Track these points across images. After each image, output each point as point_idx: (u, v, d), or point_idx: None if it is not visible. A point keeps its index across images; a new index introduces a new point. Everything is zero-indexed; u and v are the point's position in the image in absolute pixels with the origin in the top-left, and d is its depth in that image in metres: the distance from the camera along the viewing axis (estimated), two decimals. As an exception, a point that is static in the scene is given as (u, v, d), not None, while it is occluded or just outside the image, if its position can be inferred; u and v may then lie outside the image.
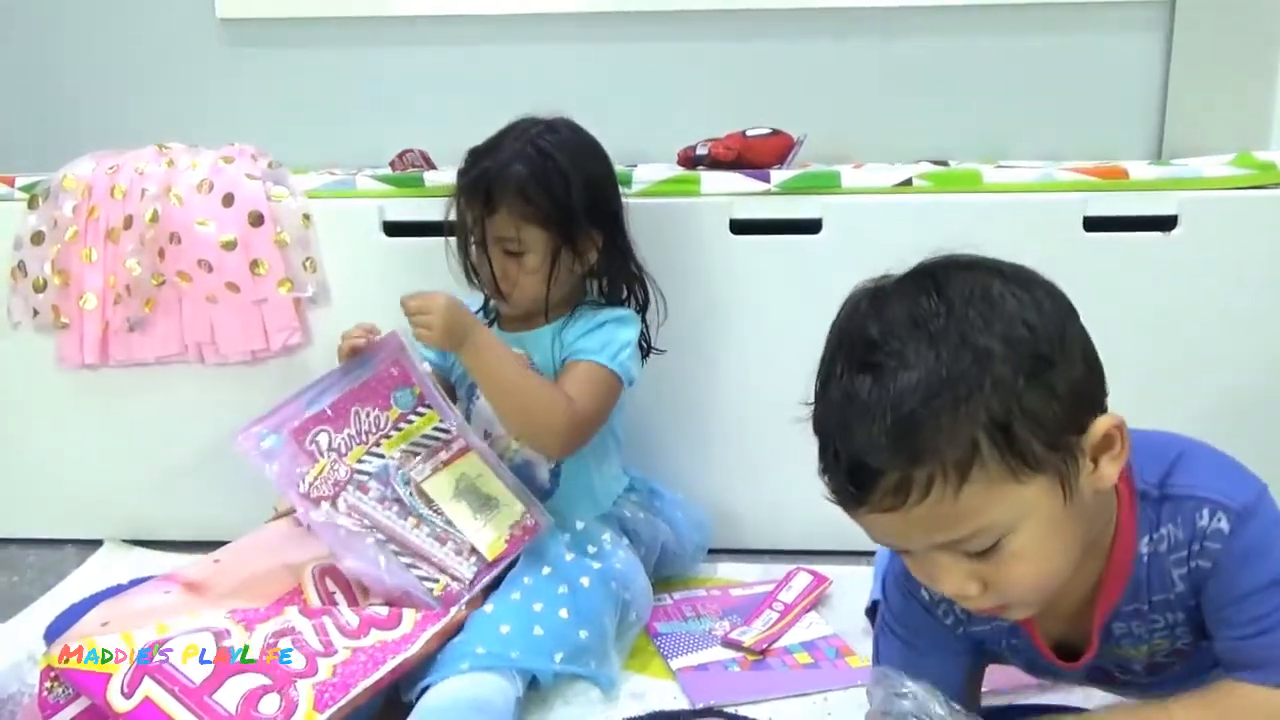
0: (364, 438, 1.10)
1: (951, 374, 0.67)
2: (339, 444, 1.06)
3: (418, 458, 1.16)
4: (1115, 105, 1.79)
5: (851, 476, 0.69)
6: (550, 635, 1.10)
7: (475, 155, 1.24)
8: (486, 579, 1.14)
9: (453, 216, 1.26)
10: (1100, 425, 0.71)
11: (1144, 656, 0.83)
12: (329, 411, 1.06)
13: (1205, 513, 0.75)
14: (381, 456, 1.11)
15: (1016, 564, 0.71)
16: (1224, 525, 0.74)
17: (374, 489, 1.09)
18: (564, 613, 1.12)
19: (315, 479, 1.04)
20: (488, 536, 1.16)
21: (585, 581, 1.17)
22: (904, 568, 0.82)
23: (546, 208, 1.20)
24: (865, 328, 0.71)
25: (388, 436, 1.13)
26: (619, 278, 1.30)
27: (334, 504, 1.06)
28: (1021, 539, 0.70)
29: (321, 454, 1.04)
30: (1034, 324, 0.69)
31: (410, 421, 1.17)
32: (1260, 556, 0.74)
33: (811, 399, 0.74)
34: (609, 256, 1.28)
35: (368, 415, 1.12)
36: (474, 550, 1.15)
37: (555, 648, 1.09)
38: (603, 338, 1.23)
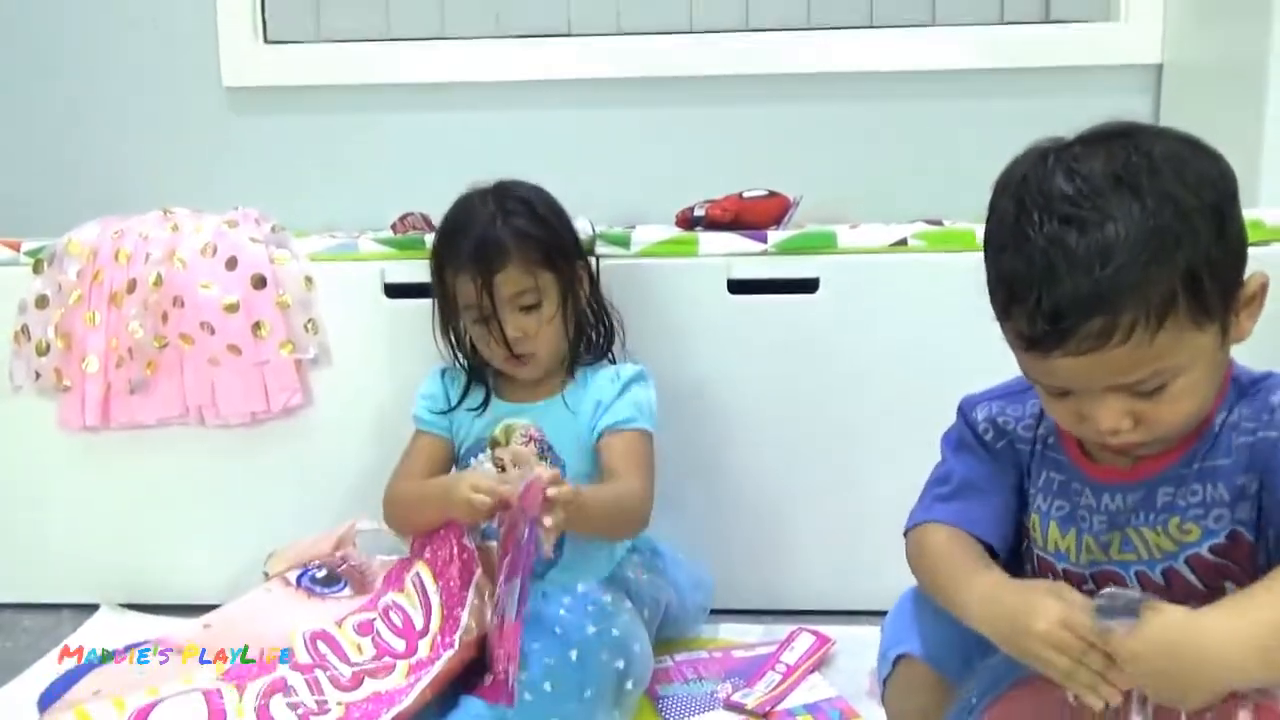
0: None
1: (1156, 226, 0.72)
2: None
3: None
4: (1107, 165, 1.82)
5: (1055, 321, 0.73)
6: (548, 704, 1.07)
7: (450, 234, 1.24)
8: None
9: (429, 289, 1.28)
10: (1255, 280, 0.78)
11: (1164, 550, 0.83)
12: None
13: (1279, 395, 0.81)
14: None
15: (1175, 402, 0.77)
16: None
17: None
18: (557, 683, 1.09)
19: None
20: None
21: (582, 648, 1.14)
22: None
23: (550, 245, 1.23)
24: (1057, 183, 0.75)
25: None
26: (600, 317, 1.32)
27: None
28: (1186, 380, 0.76)
29: None
30: (1217, 182, 0.76)
31: None
32: None
33: (988, 250, 0.81)
34: (593, 293, 1.31)
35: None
36: None
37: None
38: (634, 399, 1.25)
